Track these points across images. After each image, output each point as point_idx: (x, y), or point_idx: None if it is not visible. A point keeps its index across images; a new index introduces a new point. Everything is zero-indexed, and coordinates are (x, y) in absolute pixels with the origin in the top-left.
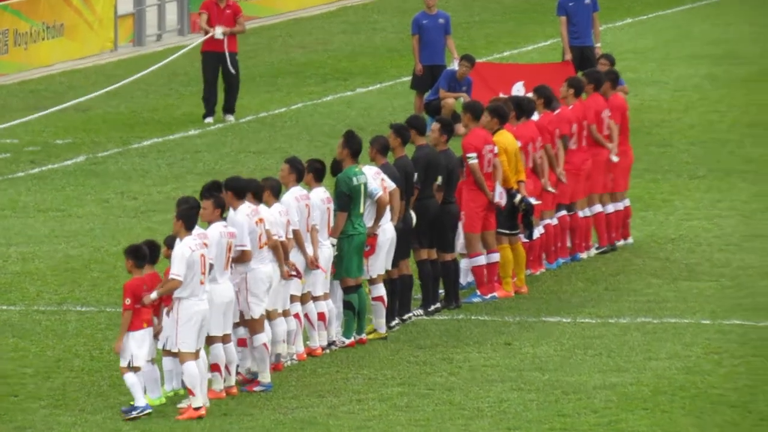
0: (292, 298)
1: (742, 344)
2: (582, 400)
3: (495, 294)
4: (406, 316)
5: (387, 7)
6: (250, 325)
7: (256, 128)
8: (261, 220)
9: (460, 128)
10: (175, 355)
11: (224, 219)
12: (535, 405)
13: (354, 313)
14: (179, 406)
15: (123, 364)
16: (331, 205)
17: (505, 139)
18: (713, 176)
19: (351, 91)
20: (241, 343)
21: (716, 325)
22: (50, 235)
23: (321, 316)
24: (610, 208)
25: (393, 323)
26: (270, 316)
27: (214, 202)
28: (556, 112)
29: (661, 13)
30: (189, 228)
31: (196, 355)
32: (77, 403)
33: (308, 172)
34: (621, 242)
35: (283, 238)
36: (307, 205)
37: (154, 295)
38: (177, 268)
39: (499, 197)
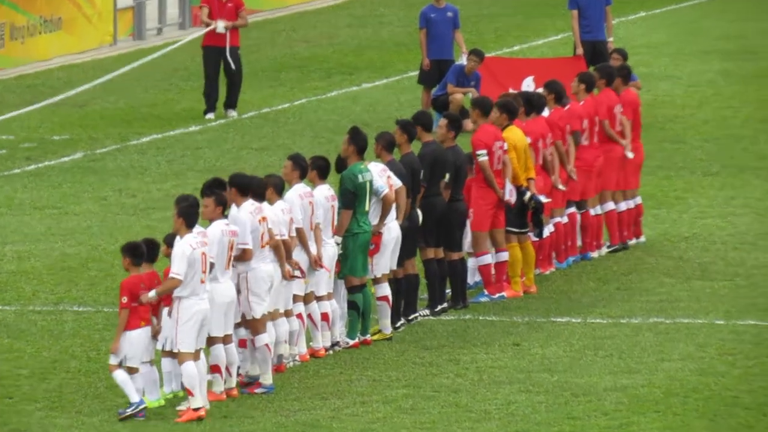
0: (295, 298)
1: (756, 345)
2: (592, 402)
3: (503, 294)
4: (411, 317)
5: (394, 0)
6: (251, 325)
7: (258, 124)
8: (264, 218)
9: (468, 124)
10: (174, 355)
11: (225, 217)
12: (543, 407)
13: (358, 313)
14: (178, 408)
15: (113, 361)
16: (336, 203)
17: (515, 135)
18: (727, 173)
19: (356, 86)
20: (242, 344)
21: (730, 326)
22: (46, 233)
23: (324, 317)
24: (622, 206)
25: (398, 324)
26: (272, 316)
27: (215, 199)
28: (566, 107)
29: (674, 7)
30: (190, 226)
31: (195, 356)
32: (74, 405)
33: (312, 169)
34: (633, 241)
35: (286, 237)
36: (310, 202)
37: (152, 293)
38: (177, 267)
39: (509, 195)
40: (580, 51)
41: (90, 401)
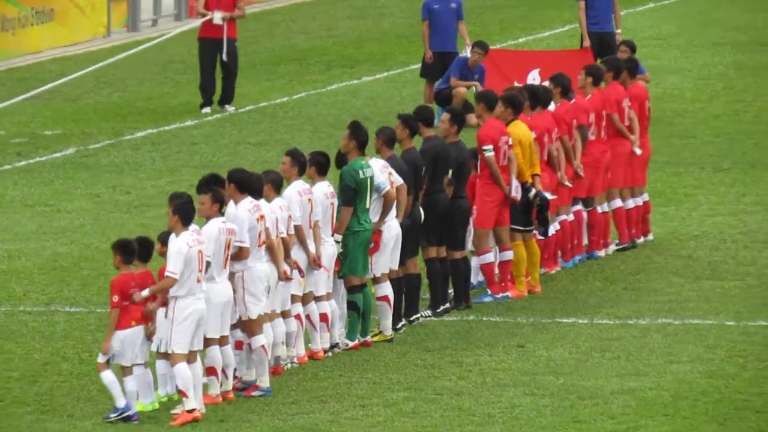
0: (293, 299)
1: None
2: (599, 405)
3: (507, 294)
4: (413, 317)
5: None
6: (247, 326)
7: (256, 118)
8: (262, 216)
9: (471, 118)
10: (169, 357)
11: (222, 214)
12: (549, 411)
13: (358, 313)
14: (173, 412)
15: (101, 359)
16: (335, 200)
17: (520, 130)
18: (738, 169)
19: (357, 80)
20: (238, 345)
21: (741, 327)
22: (38, 232)
23: (323, 317)
24: (630, 203)
25: (399, 325)
26: (269, 317)
27: (212, 196)
28: (572, 101)
29: None
30: (186, 223)
31: (191, 358)
32: (65, 408)
33: (311, 165)
34: (641, 239)
35: (284, 235)
36: (309, 199)
37: (145, 292)
38: (173, 266)
39: (515, 191)
40: (587, 43)
41: (82, 404)
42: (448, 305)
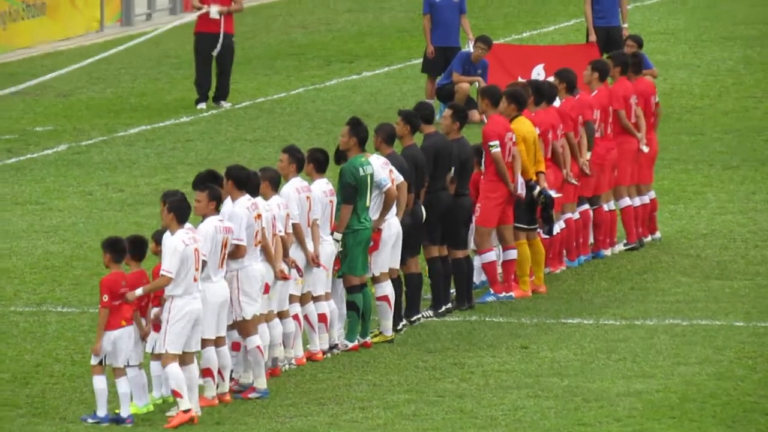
0: (291, 299)
1: None
2: (604, 407)
3: (511, 294)
4: (414, 318)
5: None
6: (242, 327)
7: (253, 115)
8: (259, 216)
9: (474, 115)
10: None
11: (218, 212)
12: (553, 413)
13: (358, 314)
14: (167, 414)
15: (94, 362)
16: (334, 198)
17: (524, 126)
18: (748, 167)
19: (356, 75)
20: (235, 347)
21: (750, 328)
22: (29, 230)
23: (322, 318)
24: (636, 201)
25: (400, 325)
26: (266, 317)
27: (209, 194)
28: (577, 97)
29: None
30: (181, 221)
31: (189, 359)
32: (57, 411)
33: (309, 162)
34: (648, 238)
35: (283, 233)
36: (308, 197)
37: (139, 291)
38: (168, 264)
39: (520, 189)
40: (593, 38)
41: (75, 407)
42: (449, 305)
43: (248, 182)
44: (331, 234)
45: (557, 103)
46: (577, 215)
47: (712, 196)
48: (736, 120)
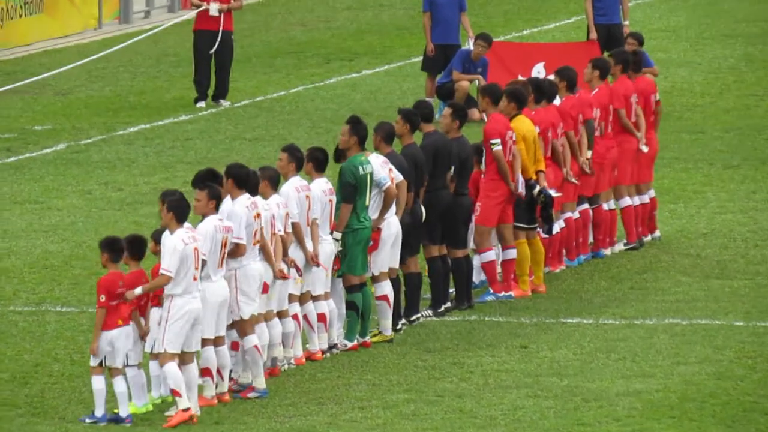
0: (291, 298)
1: None
2: (604, 407)
3: (510, 293)
4: (413, 317)
5: None
6: (239, 326)
7: (252, 113)
8: (258, 215)
9: (474, 113)
10: None
11: (217, 211)
12: (552, 413)
13: (357, 313)
14: (167, 414)
15: (93, 363)
16: (334, 197)
17: (524, 125)
18: (749, 165)
19: (356, 73)
20: (235, 346)
21: (750, 327)
22: (28, 230)
23: (321, 317)
24: (636, 200)
25: (399, 325)
26: (265, 317)
27: (208, 192)
28: (577, 95)
29: None
30: (181, 221)
31: (189, 358)
32: (56, 410)
33: (308, 161)
34: (648, 237)
35: (282, 233)
36: (307, 196)
37: (138, 290)
38: (168, 263)
39: (520, 188)
40: (593, 35)
41: (74, 407)
42: (448, 304)
43: (248, 181)
44: (331, 233)
45: (557, 101)
46: (577, 214)
47: (712, 195)
48: (737, 118)
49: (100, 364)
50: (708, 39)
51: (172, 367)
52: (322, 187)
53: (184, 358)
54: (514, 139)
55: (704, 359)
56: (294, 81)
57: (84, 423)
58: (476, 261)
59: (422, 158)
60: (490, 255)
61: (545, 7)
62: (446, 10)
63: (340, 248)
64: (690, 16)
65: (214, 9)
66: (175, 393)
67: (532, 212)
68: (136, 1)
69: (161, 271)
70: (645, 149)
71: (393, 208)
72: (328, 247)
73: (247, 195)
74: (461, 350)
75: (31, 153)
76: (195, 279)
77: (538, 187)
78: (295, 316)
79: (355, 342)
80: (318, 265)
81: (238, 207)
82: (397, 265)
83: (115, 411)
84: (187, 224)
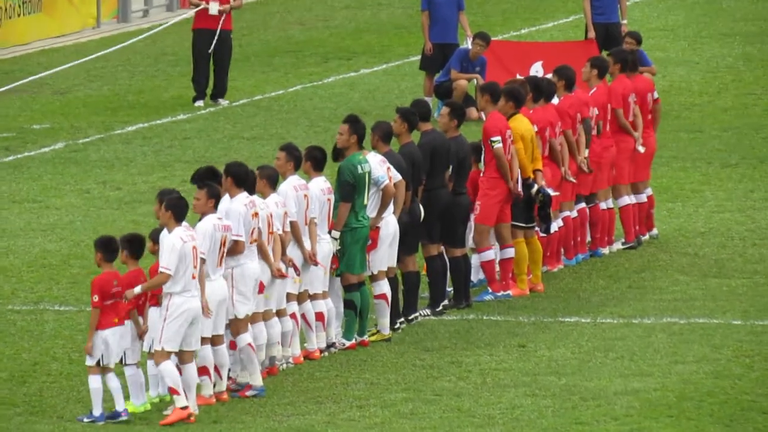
0: (289, 297)
1: None
2: (602, 406)
3: (508, 292)
4: (411, 316)
5: None
6: (233, 324)
7: (250, 112)
8: (256, 214)
9: (472, 112)
10: None
11: (216, 210)
12: (550, 412)
13: (355, 312)
14: (165, 413)
15: (90, 362)
16: (332, 197)
17: (521, 125)
18: (747, 164)
19: (354, 72)
20: (233, 346)
21: (748, 326)
22: (26, 229)
23: (319, 316)
24: (633, 199)
25: (398, 324)
26: (264, 316)
27: (208, 191)
28: (574, 94)
29: None
30: (179, 219)
31: (188, 357)
32: (55, 409)
33: (306, 160)
34: (646, 236)
35: (280, 232)
36: (305, 195)
37: (137, 289)
38: (166, 261)
39: (519, 187)
40: (592, 34)
41: (72, 405)
42: (446, 302)
43: (246, 179)
44: (329, 232)
45: (555, 100)
46: (575, 213)
47: (710, 194)
48: (735, 117)
49: (98, 363)
50: (706, 38)
51: (168, 365)
52: (321, 186)
53: (183, 357)
54: (512, 138)
55: (702, 358)
56: (292, 80)
57: (82, 422)
58: (474, 260)
59: (420, 157)
60: (490, 254)
61: (543, 6)
62: (444, 9)
63: (339, 247)
64: (688, 15)
65: (213, 8)
66: (172, 391)
67: (530, 211)
68: (134, 1)
69: (160, 269)
70: (642, 149)
71: (391, 207)
72: (326, 246)
73: (245, 193)
74: (459, 349)
75: (29, 152)
76: (193, 277)
77: (536, 186)
78: (293, 315)
79: (354, 341)
80: (316, 264)
81: (236, 205)
82: (395, 264)
83: (112, 410)
84: (185, 223)
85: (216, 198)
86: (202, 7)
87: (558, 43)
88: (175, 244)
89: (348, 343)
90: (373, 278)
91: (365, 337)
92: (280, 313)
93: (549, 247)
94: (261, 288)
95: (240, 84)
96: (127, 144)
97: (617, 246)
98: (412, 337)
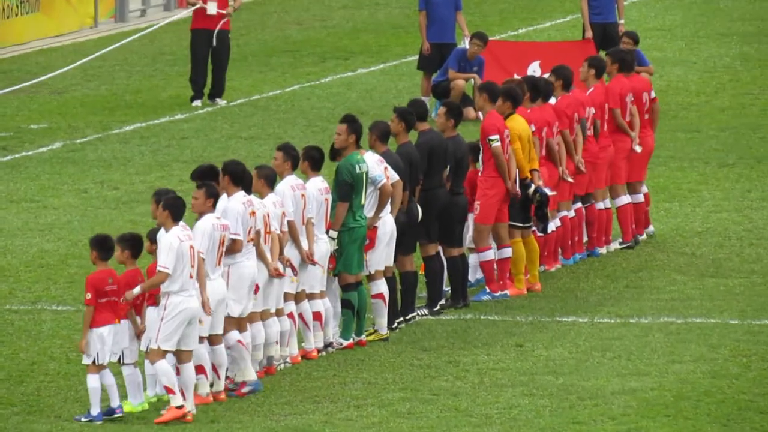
0: (286, 297)
1: None
2: (599, 406)
3: (506, 292)
4: (409, 316)
5: None
6: (225, 322)
7: (248, 112)
8: (253, 213)
9: (470, 112)
10: None
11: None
12: (548, 411)
13: (353, 312)
14: (162, 412)
15: (86, 361)
16: (329, 196)
17: (518, 124)
18: (744, 164)
19: (352, 72)
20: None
21: (745, 326)
22: (24, 228)
23: (317, 316)
24: (630, 199)
25: (395, 323)
26: (262, 316)
27: (206, 191)
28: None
29: None
30: (176, 218)
31: (186, 357)
32: (52, 409)
33: (304, 159)
34: (643, 236)
35: (278, 231)
36: (303, 195)
37: (137, 290)
38: (165, 260)
39: (517, 186)
40: (589, 34)
41: (70, 405)
42: (443, 301)
43: (244, 178)
44: (327, 232)
45: (553, 100)
46: (572, 213)
47: (707, 193)
48: (733, 117)
49: (94, 362)
50: (703, 38)
51: (163, 364)
52: (318, 185)
53: (181, 357)
54: (510, 138)
55: (699, 358)
56: (290, 80)
57: (79, 422)
58: (472, 260)
59: (417, 157)
60: (489, 254)
61: (541, 6)
62: (442, 9)
63: (336, 247)
64: (685, 14)
65: (211, 8)
66: (168, 390)
67: (527, 211)
68: (131, 0)
69: (158, 268)
70: (638, 149)
71: (388, 207)
72: (323, 245)
73: (242, 192)
74: (457, 349)
75: (27, 152)
76: (191, 276)
77: (533, 186)
78: (290, 315)
79: (351, 340)
80: (313, 263)
81: (234, 203)
82: (392, 264)
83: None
84: (182, 222)
85: (214, 198)
86: (199, 6)
87: (555, 43)
88: (173, 243)
89: (345, 343)
90: (371, 278)
91: (363, 337)
92: (277, 313)
93: (546, 246)
94: (256, 289)
95: (237, 84)
96: (124, 144)
97: (614, 246)
98: (409, 337)
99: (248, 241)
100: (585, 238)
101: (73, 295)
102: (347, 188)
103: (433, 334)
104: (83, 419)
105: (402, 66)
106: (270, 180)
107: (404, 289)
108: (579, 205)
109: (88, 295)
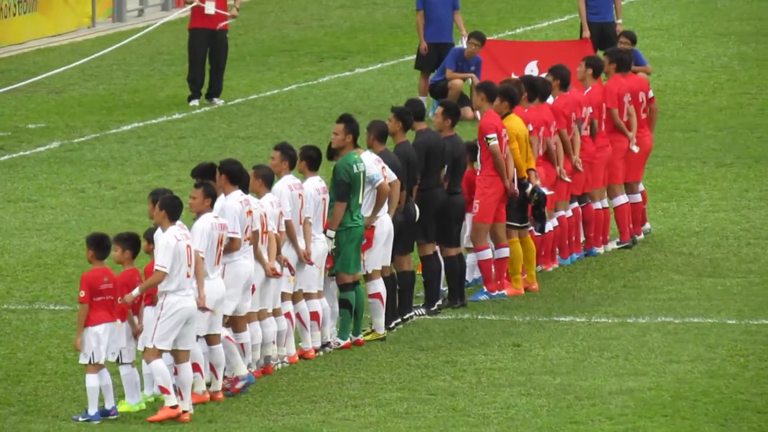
0: (284, 296)
1: None
2: (596, 406)
3: (503, 292)
4: (407, 316)
5: None
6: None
7: (245, 111)
8: (250, 212)
9: (467, 112)
10: None
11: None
12: (545, 411)
13: (351, 312)
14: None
15: (83, 360)
16: (327, 196)
17: (516, 124)
18: (742, 164)
19: (349, 72)
20: None
21: (743, 325)
22: (21, 228)
23: (314, 316)
24: (628, 198)
25: (393, 323)
26: (259, 315)
27: (204, 191)
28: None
29: None
30: (173, 218)
31: (183, 357)
32: (50, 408)
33: (301, 159)
34: (641, 236)
35: (275, 231)
36: (300, 195)
37: (136, 291)
38: (161, 259)
39: (515, 186)
40: (587, 33)
41: (67, 405)
42: (440, 301)
43: (241, 176)
44: (324, 232)
45: (551, 99)
46: (570, 213)
47: (705, 193)
48: (730, 117)
49: (90, 361)
50: (701, 37)
51: (159, 364)
52: (315, 185)
53: (178, 357)
54: (507, 137)
55: (697, 357)
56: (287, 79)
57: (77, 421)
58: (469, 259)
59: (415, 157)
60: (487, 253)
61: (538, 6)
62: (439, 9)
63: (334, 246)
64: (683, 14)
65: (210, 7)
66: (163, 390)
67: (524, 211)
68: (129, 0)
69: (156, 267)
70: (636, 149)
71: (385, 207)
72: (321, 245)
73: (240, 191)
74: (454, 349)
75: (24, 151)
76: (188, 276)
77: (530, 186)
78: (288, 315)
79: (348, 340)
80: (311, 263)
81: (231, 202)
82: (389, 263)
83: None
84: (179, 222)
85: (212, 197)
86: (196, 4)
87: (553, 43)
88: (170, 242)
89: (343, 343)
90: (368, 277)
91: (360, 337)
92: (275, 313)
93: (544, 246)
94: (252, 290)
95: (235, 83)
96: (122, 143)
97: (612, 245)
98: (407, 337)
99: (245, 240)
100: (582, 238)
101: (70, 295)
102: (345, 188)
103: (431, 334)
104: (81, 419)
105: (399, 66)
106: (267, 180)
107: (401, 289)
108: (575, 204)
109: (82, 293)
